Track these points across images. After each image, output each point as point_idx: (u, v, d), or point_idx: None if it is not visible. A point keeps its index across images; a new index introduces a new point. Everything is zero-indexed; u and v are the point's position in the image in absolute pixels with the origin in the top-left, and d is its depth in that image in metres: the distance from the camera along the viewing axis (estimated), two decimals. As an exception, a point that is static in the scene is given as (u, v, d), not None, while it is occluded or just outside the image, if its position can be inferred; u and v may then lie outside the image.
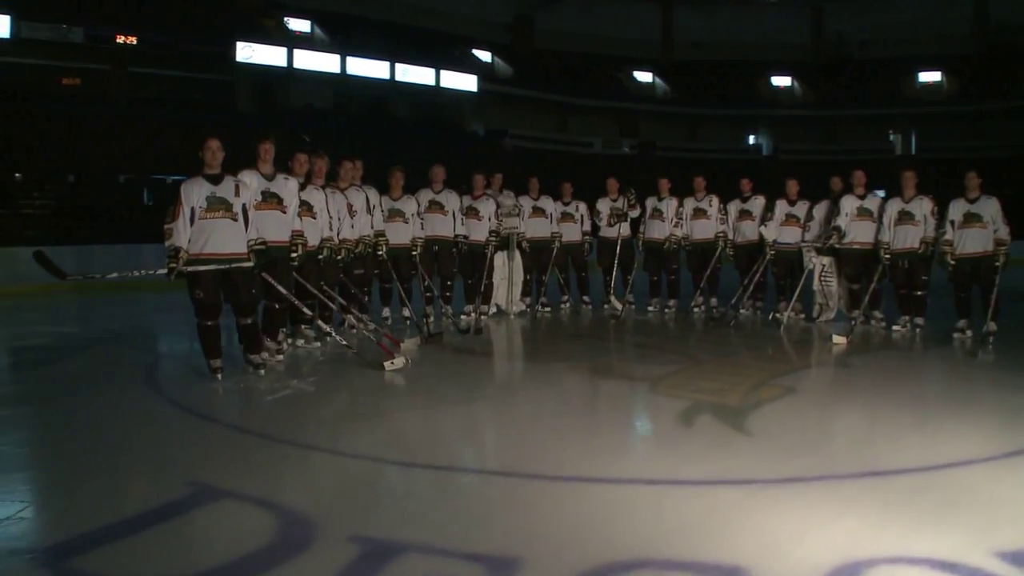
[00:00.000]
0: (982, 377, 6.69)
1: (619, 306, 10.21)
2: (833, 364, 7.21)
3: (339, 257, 7.83)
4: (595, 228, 10.81)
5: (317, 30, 31.48)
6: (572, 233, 10.53)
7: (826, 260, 9.31)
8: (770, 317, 9.45)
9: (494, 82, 35.38)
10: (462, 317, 9.64)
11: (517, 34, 38.21)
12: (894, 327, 8.71)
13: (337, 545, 3.11)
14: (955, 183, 8.50)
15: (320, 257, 7.49)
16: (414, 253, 8.99)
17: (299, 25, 31.24)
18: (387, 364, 6.53)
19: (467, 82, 33.58)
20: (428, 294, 9.35)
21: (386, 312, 9.25)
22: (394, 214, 8.97)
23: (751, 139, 41.02)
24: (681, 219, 10.34)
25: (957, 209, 8.24)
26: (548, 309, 10.56)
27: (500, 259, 10.10)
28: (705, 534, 3.14)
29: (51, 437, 5.00)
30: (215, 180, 6.18)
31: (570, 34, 38.23)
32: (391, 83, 32.00)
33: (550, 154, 34.60)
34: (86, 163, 20.35)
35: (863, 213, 8.85)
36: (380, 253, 8.66)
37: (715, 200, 10.31)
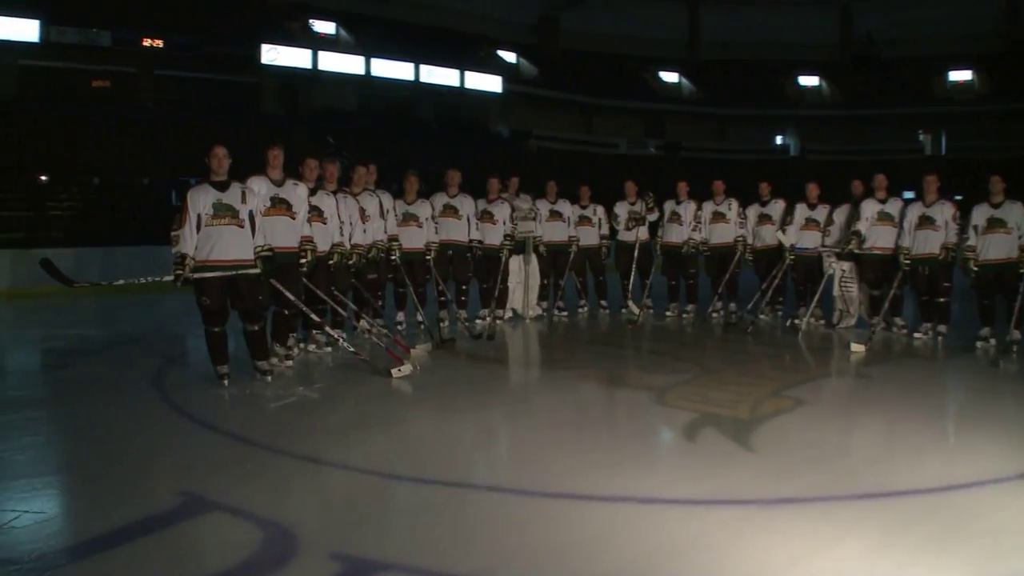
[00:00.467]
0: (1003, 389, 6.50)
1: (636, 311, 10.12)
2: (849, 374, 7.05)
3: (350, 262, 7.80)
4: (613, 231, 10.71)
5: (342, 32, 31.55)
6: (590, 237, 10.42)
7: (846, 265, 9.14)
8: (788, 323, 9.30)
9: (519, 83, 35.27)
10: (477, 322, 9.58)
11: (542, 34, 38.07)
12: (915, 335, 8.53)
13: (317, 562, 3.07)
14: (984, 186, 8.28)
15: (331, 263, 7.45)
16: (428, 257, 8.93)
17: (324, 27, 31.32)
18: (394, 371, 6.50)
19: (491, 83, 33.51)
20: (442, 299, 9.30)
21: (400, 317, 9.21)
22: (408, 218, 8.92)
23: (778, 140, 40.55)
24: (700, 223, 10.22)
25: (981, 214, 8.04)
26: (565, 313, 10.47)
27: (516, 263, 10.04)
28: (691, 558, 3.06)
29: (51, 443, 5.03)
30: (222, 187, 6.18)
31: (595, 34, 38.03)
32: (415, 84, 31.99)
33: (575, 155, 34.48)
34: (111, 165, 20.51)
35: (884, 218, 8.66)
36: (393, 258, 8.62)
37: (734, 204, 10.17)
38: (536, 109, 35.94)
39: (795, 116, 39.01)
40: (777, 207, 9.85)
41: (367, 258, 8.20)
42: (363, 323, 8.53)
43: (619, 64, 37.64)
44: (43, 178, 19.31)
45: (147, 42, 26.02)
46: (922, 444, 4.68)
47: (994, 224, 7.92)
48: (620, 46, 38.19)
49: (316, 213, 7.29)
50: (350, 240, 7.78)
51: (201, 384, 6.41)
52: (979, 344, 7.96)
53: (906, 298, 8.84)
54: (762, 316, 9.81)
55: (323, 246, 7.33)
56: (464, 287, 9.59)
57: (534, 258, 10.19)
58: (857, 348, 7.72)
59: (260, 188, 6.66)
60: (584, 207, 10.50)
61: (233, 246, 6.14)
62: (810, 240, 9.37)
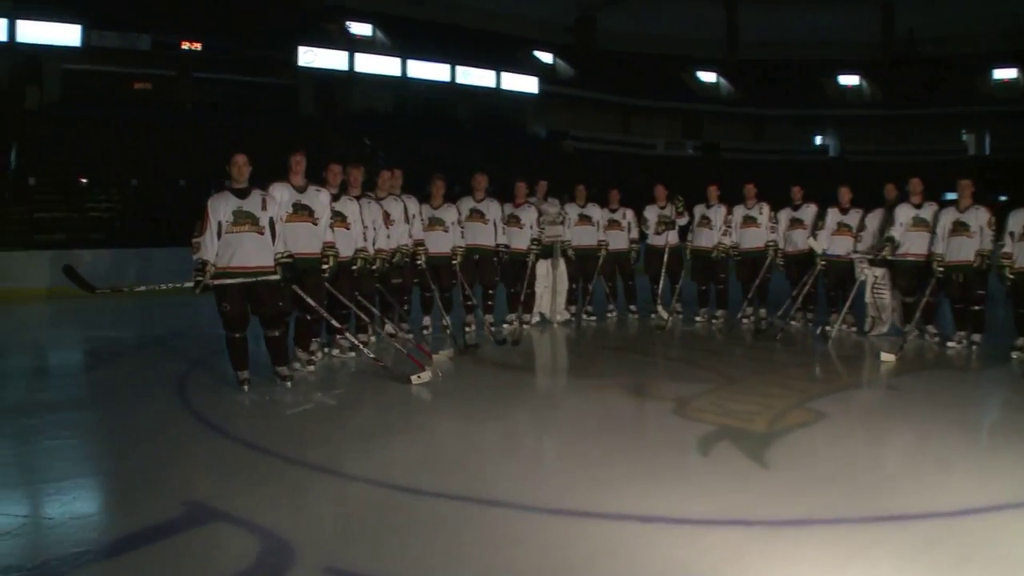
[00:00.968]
0: None
1: (666, 315, 10.02)
2: (877, 385, 6.88)
3: (373, 267, 7.80)
4: (643, 235, 10.61)
5: (378, 33, 31.74)
6: (619, 241, 10.32)
7: (878, 271, 8.95)
8: (818, 331, 9.13)
9: (555, 83, 35.20)
10: (504, 326, 9.55)
11: (579, 35, 37.97)
12: (949, 343, 8.32)
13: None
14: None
15: (354, 268, 7.46)
16: (454, 262, 8.91)
17: (361, 29, 31.55)
18: (414, 378, 6.48)
19: (528, 84, 33.49)
20: (469, 303, 9.27)
21: (426, 321, 9.18)
22: (434, 223, 8.89)
23: (817, 140, 39.99)
24: (730, 227, 10.08)
25: (1017, 220, 7.81)
26: (593, 318, 10.40)
27: (544, 267, 9.98)
28: (689, 582, 2.98)
29: (68, 448, 5.07)
30: (242, 194, 6.22)
31: (633, 34, 37.83)
32: (451, 86, 32.06)
33: (612, 155, 34.36)
34: (149, 167, 20.81)
35: (919, 223, 8.44)
36: (419, 262, 8.61)
37: (766, 208, 10.01)
38: (573, 110, 35.88)
39: (835, 116, 38.48)
40: (809, 211, 9.68)
41: (391, 263, 8.21)
42: (388, 328, 8.57)
43: (657, 64, 37.45)
44: (83, 180, 19.61)
45: (186, 45, 26.38)
46: (945, 462, 4.52)
47: (1031, 230, 7.70)
48: (658, 46, 37.99)
49: (340, 218, 7.30)
50: (374, 245, 7.79)
51: (222, 389, 6.45)
52: (1015, 355, 7.71)
53: (940, 305, 8.62)
54: (792, 323, 9.66)
55: (347, 251, 7.34)
56: (491, 292, 9.55)
57: (562, 262, 10.13)
58: (887, 357, 7.53)
59: (282, 195, 6.69)
60: (614, 211, 10.41)
61: (253, 253, 6.17)
62: (842, 245, 9.19)
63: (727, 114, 38.69)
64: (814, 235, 9.32)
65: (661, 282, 10.27)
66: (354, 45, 30.30)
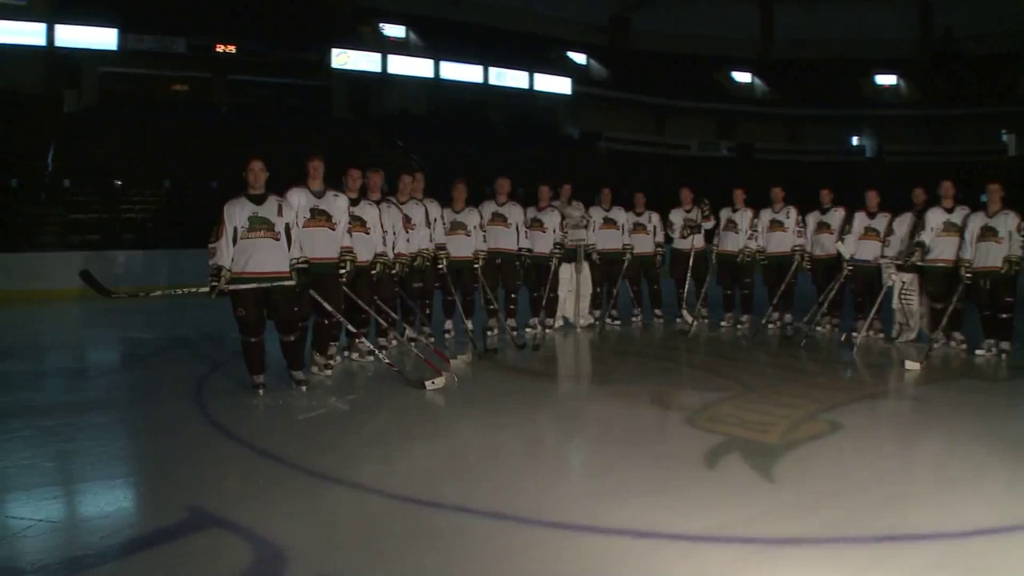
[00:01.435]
0: None
1: (690, 319, 9.92)
2: (897, 396, 6.71)
3: (393, 272, 7.80)
4: (668, 239, 10.53)
5: (412, 35, 31.87)
6: (644, 244, 10.24)
7: (906, 277, 8.77)
8: (842, 338, 8.97)
9: (589, 84, 35.08)
10: (527, 330, 9.51)
11: (613, 35, 37.81)
12: (977, 351, 8.11)
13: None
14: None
15: (373, 272, 7.46)
16: (476, 266, 8.89)
17: (394, 31, 31.69)
18: (428, 384, 6.47)
19: (561, 85, 33.41)
20: (491, 307, 9.24)
21: (448, 325, 9.18)
22: (456, 227, 8.87)
23: (854, 141, 39.40)
24: (756, 231, 9.95)
25: (1048, 225, 7.63)
26: (618, 322, 10.33)
27: (568, 271, 9.93)
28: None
29: (79, 452, 5.11)
30: (258, 200, 6.26)
31: (667, 34, 37.62)
32: (484, 87, 32.08)
33: (645, 156, 34.17)
34: (183, 169, 21.06)
35: (950, 228, 8.24)
36: (440, 266, 8.60)
37: (793, 212, 9.87)
38: (606, 111, 35.73)
39: (872, 116, 37.86)
40: (837, 215, 9.50)
41: (411, 267, 8.21)
42: (409, 332, 8.58)
43: (691, 64, 37.20)
44: (117, 183, 19.90)
45: (220, 48, 26.69)
46: (959, 479, 4.38)
47: (1062, 237, 7.51)
48: (692, 46, 37.74)
49: (359, 223, 7.31)
50: (393, 249, 7.79)
51: (238, 393, 6.49)
52: (1044, 364, 7.54)
53: (968, 312, 8.43)
54: (818, 328, 9.51)
55: (366, 256, 7.35)
56: (513, 295, 9.52)
57: (586, 266, 10.08)
58: (912, 366, 7.36)
59: (300, 200, 6.72)
60: (639, 214, 10.33)
61: (269, 258, 6.20)
62: (869, 250, 9.03)
63: (762, 115, 38.28)
64: (842, 239, 9.16)
65: (686, 286, 10.18)
66: (387, 47, 30.45)
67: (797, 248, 9.71)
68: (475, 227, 8.93)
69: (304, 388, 6.51)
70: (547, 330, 9.72)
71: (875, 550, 3.40)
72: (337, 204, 6.93)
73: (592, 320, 10.26)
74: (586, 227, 9.94)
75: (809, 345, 8.79)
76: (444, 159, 27.45)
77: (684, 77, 36.66)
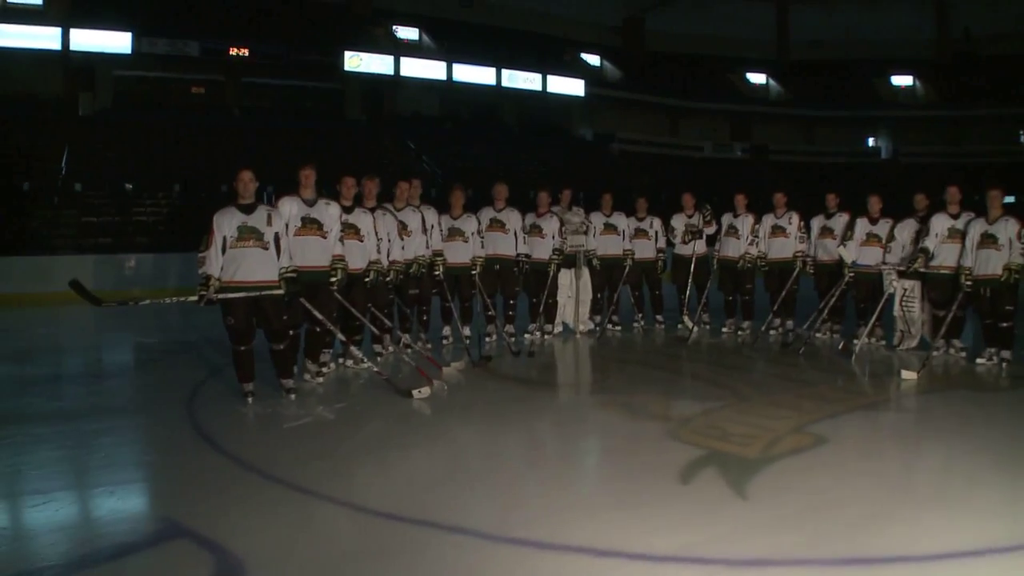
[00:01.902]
0: None
1: (691, 326, 9.89)
2: (888, 407, 6.60)
3: (387, 279, 7.81)
4: (670, 244, 10.49)
5: (425, 37, 31.92)
6: (646, 250, 10.20)
7: (908, 284, 8.68)
8: (840, 347, 8.88)
9: (602, 86, 34.98)
10: (526, 336, 9.51)
11: (627, 36, 37.69)
12: (978, 360, 8.02)
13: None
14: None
15: (367, 280, 7.48)
16: (473, 272, 8.88)
17: (407, 33, 31.75)
18: (415, 392, 6.48)
19: (574, 86, 33.34)
20: (489, 313, 9.24)
21: (446, 331, 9.18)
22: (454, 233, 8.86)
23: (870, 142, 39.07)
24: (757, 237, 9.89)
25: (1049, 232, 7.52)
26: (619, 328, 10.30)
27: (567, 277, 9.91)
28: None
29: (64, 460, 5.19)
30: (247, 210, 6.30)
31: (682, 35, 37.45)
32: (497, 89, 32.08)
33: (659, 158, 34.08)
34: (197, 172, 21.20)
35: (955, 234, 8.10)
36: (437, 273, 8.61)
37: (795, 217, 9.80)
38: (620, 112, 35.66)
39: (888, 118, 37.51)
40: (841, 220, 9.43)
41: (406, 274, 8.22)
42: (405, 338, 8.60)
43: (705, 65, 37.02)
44: (128, 186, 20.07)
45: (233, 51, 26.86)
46: (939, 498, 4.29)
47: (1062, 245, 7.40)
48: (706, 47, 37.57)
49: (352, 230, 7.33)
50: (388, 257, 7.80)
51: (229, 400, 6.51)
52: (1045, 374, 7.42)
53: (969, 320, 8.33)
54: (818, 335, 9.45)
55: (360, 263, 7.37)
56: (512, 301, 9.52)
57: (585, 272, 10.05)
58: (908, 376, 7.26)
59: (292, 208, 6.76)
60: (641, 219, 10.29)
61: (258, 267, 6.23)
62: (871, 256, 8.94)
63: (777, 116, 38.02)
64: (844, 244, 9.08)
65: (688, 291, 10.14)
66: (400, 49, 30.52)
67: (799, 254, 9.65)
68: (473, 233, 8.91)
69: (293, 396, 6.53)
70: (546, 336, 9.71)
71: (838, 574, 3.34)
72: (329, 212, 6.94)
73: (592, 326, 10.24)
74: (586, 233, 9.91)
75: (808, 352, 8.71)
76: (457, 161, 27.51)
77: (698, 78, 36.52)
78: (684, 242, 10.25)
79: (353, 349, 7.54)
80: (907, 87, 38.20)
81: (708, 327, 10.33)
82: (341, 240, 7.05)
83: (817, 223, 9.64)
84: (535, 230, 9.44)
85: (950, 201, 8.36)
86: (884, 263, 8.79)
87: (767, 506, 4.05)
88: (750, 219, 9.97)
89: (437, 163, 26.92)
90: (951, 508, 4.10)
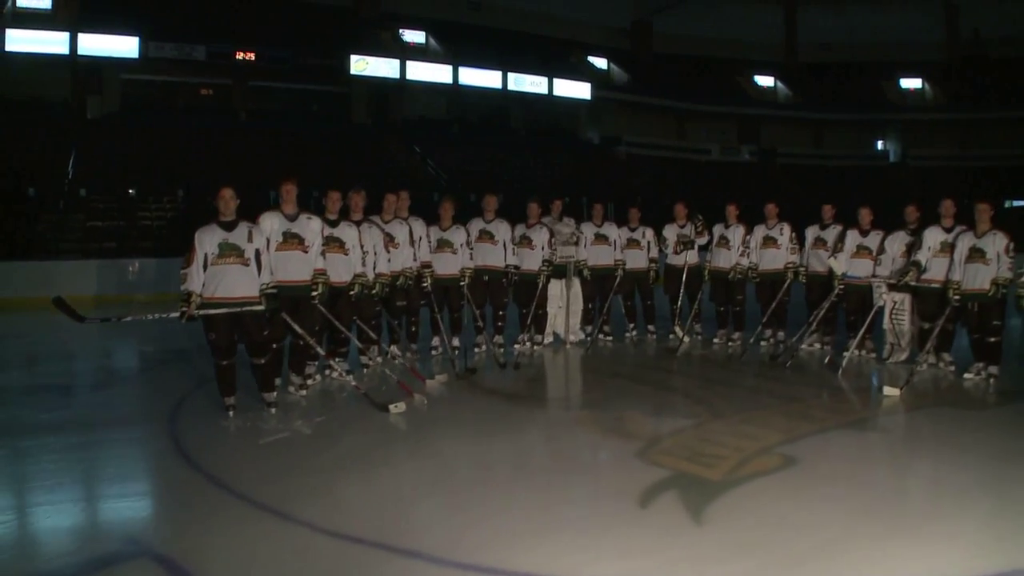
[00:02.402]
0: None
1: (681, 334, 9.90)
2: (865, 426, 6.49)
3: (373, 292, 7.87)
4: (662, 254, 10.51)
5: (431, 40, 31.98)
6: (638, 260, 10.22)
7: (898, 297, 8.67)
8: (826, 361, 8.86)
9: (609, 89, 34.97)
10: (515, 347, 9.54)
11: (635, 39, 37.65)
12: (965, 375, 8.00)
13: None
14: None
15: (351, 293, 7.54)
16: (462, 283, 8.93)
17: (414, 36, 31.82)
18: (392, 407, 6.53)
19: (580, 90, 33.36)
20: (478, 324, 9.29)
21: (435, 342, 9.22)
22: (443, 244, 8.91)
23: (879, 145, 38.84)
24: (748, 248, 9.89)
25: (1038, 247, 7.50)
26: (610, 338, 10.33)
27: (557, 287, 9.93)
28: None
29: (41, 474, 5.25)
30: (229, 227, 6.37)
31: (689, 37, 37.40)
32: (503, 92, 32.10)
33: (665, 161, 34.05)
34: (202, 176, 21.30)
35: (948, 248, 8.04)
36: (425, 285, 8.66)
37: (787, 228, 9.80)
38: (627, 115, 35.66)
39: (896, 120, 37.29)
40: (832, 232, 9.43)
41: (393, 286, 8.28)
42: (394, 349, 8.66)
43: (713, 68, 36.95)
44: (131, 191, 20.20)
45: (240, 55, 27.03)
46: (898, 526, 4.20)
47: (1050, 260, 7.38)
48: (714, 49, 37.50)
49: (337, 244, 7.39)
50: (374, 269, 7.85)
51: (210, 414, 6.58)
52: (1031, 390, 7.39)
53: (957, 334, 8.31)
54: (808, 347, 9.47)
55: (345, 276, 7.44)
56: (501, 312, 9.56)
57: (576, 282, 10.07)
58: (890, 392, 7.21)
59: (273, 223, 6.82)
60: (633, 229, 10.31)
61: (238, 284, 6.31)
62: (861, 268, 8.92)
63: (785, 118, 37.94)
64: (834, 256, 9.08)
65: (679, 302, 10.15)
66: (406, 52, 30.59)
67: (790, 265, 9.65)
68: (462, 245, 8.96)
69: (274, 410, 6.60)
70: (536, 347, 9.74)
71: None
72: (310, 227, 7.00)
73: (583, 336, 10.26)
74: (576, 244, 9.93)
75: (795, 365, 8.69)
76: (463, 164, 27.57)
77: (706, 81, 36.47)
78: (676, 252, 10.26)
79: (333, 362, 7.60)
80: (916, 90, 38.01)
81: (700, 337, 10.34)
82: (323, 254, 7.11)
83: (811, 233, 9.63)
84: (525, 241, 9.46)
85: (944, 214, 8.31)
86: (874, 275, 8.77)
87: (721, 532, 4.04)
88: (741, 230, 9.96)
89: (443, 167, 26.98)
90: (909, 537, 4.07)
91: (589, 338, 10.19)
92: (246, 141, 24.99)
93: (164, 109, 27.25)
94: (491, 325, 9.44)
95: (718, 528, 4.10)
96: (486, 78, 31.45)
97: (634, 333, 10.49)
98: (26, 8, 25.09)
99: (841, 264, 8.95)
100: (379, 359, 8.56)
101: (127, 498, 4.85)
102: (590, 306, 10.31)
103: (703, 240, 10.19)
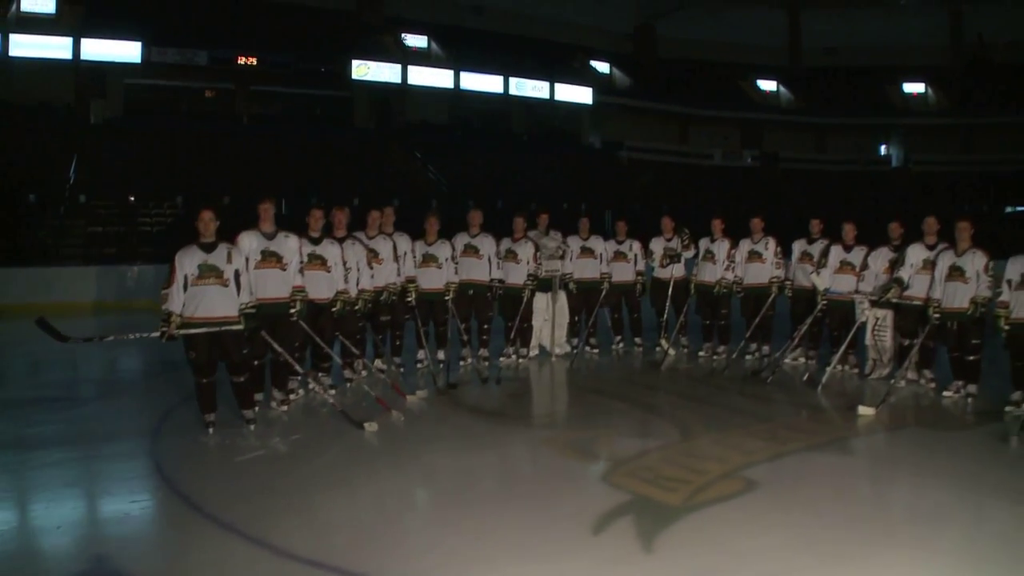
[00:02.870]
0: (997, 481, 5.55)
1: (668, 348, 10.01)
2: (833, 449, 6.40)
3: (356, 308, 7.98)
4: (649, 268, 10.59)
5: (434, 45, 32.05)
6: (624, 273, 10.30)
7: (880, 313, 8.73)
8: (804, 378, 8.91)
9: (612, 93, 34.98)
10: (501, 359, 9.63)
11: (639, 43, 37.65)
12: (944, 393, 8.05)
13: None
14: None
15: (333, 310, 7.65)
16: (447, 298, 9.02)
17: (416, 41, 31.91)
18: (367, 426, 6.62)
19: (582, 94, 33.39)
20: (464, 337, 9.38)
21: (421, 355, 9.31)
22: (428, 259, 9.02)
23: (882, 150, 38.73)
24: (734, 262, 9.95)
25: (1016, 267, 7.47)
26: (597, 351, 10.42)
27: (543, 300, 10.01)
28: None
29: (16, 491, 5.41)
30: (208, 248, 6.48)
31: (693, 42, 37.41)
32: (505, 97, 32.15)
33: (667, 166, 34.05)
34: (198, 183, 21.45)
35: (929, 265, 8.09)
36: (409, 299, 8.77)
37: (772, 243, 9.87)
38: (629, 119, 35.67)
39: (899, 125, 37.19)
40: (817, 247, 9.48)
41: (376, 302, 8.38)
42: (377, 363, 8.78)
43: (716, 72, 36.93)
44: (131, 198, 20.34)
45: (242, 60, 27.19)
46: (847, 555, 4.22)
47: (1030, 279, 7.38)
48: (718, 53, 37.47)
49: (319, 262, 7.54)
50: (357, 285, 7.97)
51: (191, 430, 6.68)
52: (1008, 409, 7.32)
53: (938, 351, 8.35)
54: (792, 361, 9.57)
55: (327, 293, 7.58)
56: (486, 326, 9.64)
57: (562, 295, 10.16)
58: (865, 412, 7.26)
59: (251, 243, 6.95)
60: (620, 242, 10.40)
61: (218, 304, 6.42)
62: (845, 284, 8.97)
63: (787, 123, 37.92)
64: (817, 272, 9.14)
65: (666, 314, 10.22)
66: (408, 58, 30.67)
67: (775, 279, 9.72)
68: (447, 259, 9.06)
69: (252, 427, 6.71)
70: (521, 359, 9.82)
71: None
72: (288, 245, 7.13)
73: (569, 348, 10.34)
74: (562, 257, 10.02)
75: (777, 381, 8.72)
76: (465, 169, 27.64)
77: (709, 85, 36.47)
78: (662, 266, 10.35)
79: (317, 378, 7.71)
80: (919, 94, 37.90)
81: (686, 350, 10.41)
82: (301, 271, 7.21)
83: (798, 247, 9.70)
84: (510, 255, 9.55)
85: (927, 231, 8.36)
86: (857, 291, 8.82)
87: (669, 561, 4.09)
88: (727, 244, 10.03)
89: (444, 171, 27.06)
90: (855, 569, 4.10)
91: (575, 351, 10.27)
92: (248, 146, 25.13)
93: (167, 114, 27.41)
94: (476, 338, 9.52)
95: (666, 557, 4.14)
96: (488, 83, 31.53)
97: (621, 346, 10.58)
98: (30, 13, 25.30)
99: (824, 280, 9.01)
100: (363, 373, 8.68)
101: (99, 517, 4.97)
102: (576, 319, 10.40)
103: (689, 254, 10.27)
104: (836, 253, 9.17)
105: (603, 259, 10.21)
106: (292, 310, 7.08)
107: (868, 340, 8.98)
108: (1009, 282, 7.49)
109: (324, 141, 26.94)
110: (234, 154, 24.34)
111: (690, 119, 36.85)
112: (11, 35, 24.44)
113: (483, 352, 9.57)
